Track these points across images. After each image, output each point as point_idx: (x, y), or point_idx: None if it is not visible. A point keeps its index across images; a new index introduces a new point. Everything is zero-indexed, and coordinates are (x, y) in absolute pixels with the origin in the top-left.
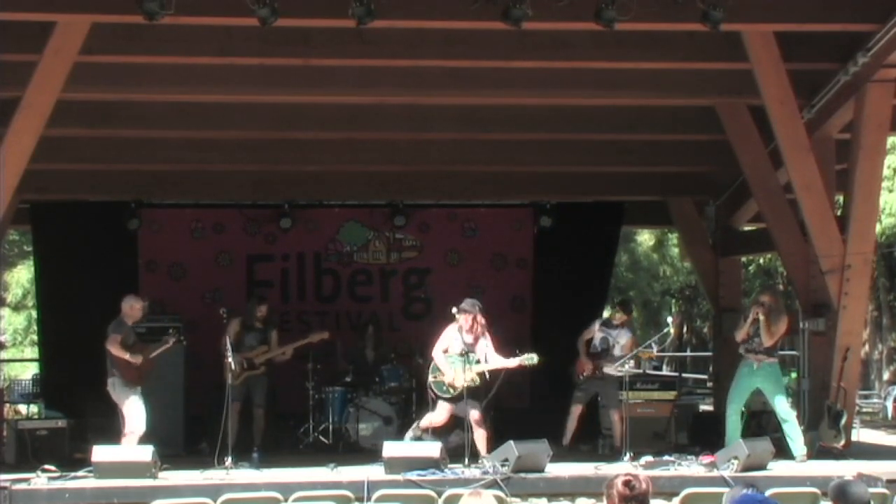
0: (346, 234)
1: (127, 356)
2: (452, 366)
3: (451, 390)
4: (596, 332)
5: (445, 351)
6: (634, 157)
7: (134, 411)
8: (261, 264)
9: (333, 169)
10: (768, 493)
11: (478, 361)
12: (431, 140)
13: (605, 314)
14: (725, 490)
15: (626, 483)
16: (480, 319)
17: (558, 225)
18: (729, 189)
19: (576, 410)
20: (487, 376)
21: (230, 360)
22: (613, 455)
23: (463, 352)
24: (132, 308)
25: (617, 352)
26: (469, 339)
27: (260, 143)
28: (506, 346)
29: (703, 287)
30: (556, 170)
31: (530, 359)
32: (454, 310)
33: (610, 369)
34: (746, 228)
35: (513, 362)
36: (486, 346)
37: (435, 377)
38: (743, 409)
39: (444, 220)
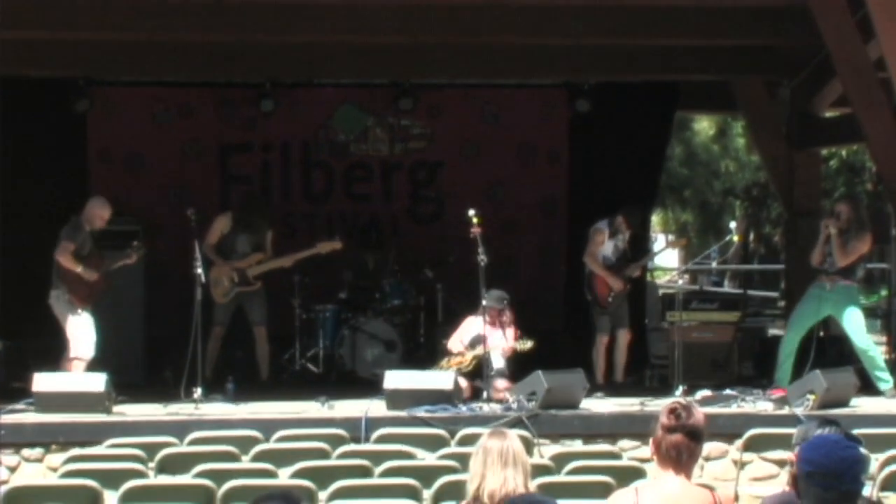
0: (340, 120)
1: (79, 270)
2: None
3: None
4: (606, 242)
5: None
6: (692, 26)
7: (80, 334)
8: (237, 156)
9: (326, 40)
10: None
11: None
12: (445, 5)
13: (655, 220)
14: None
15: (671, 410)
16: (508, 315)
17: (598, 110)
18: (807, 67)
19: (603, 340)
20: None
21: (200, 271)
22: (664, 388)
23: (472, 342)
24: (95, 215)
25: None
26: (487, 329)
27: (236, 7)
28: (536, 254)
29: (775, 186)
30: (596, 42)
31: (523, 343)
32: (473, 227)
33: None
34: (828, 115)
35: (506, 346)
36: (501, 336)
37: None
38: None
39: (460, 104)
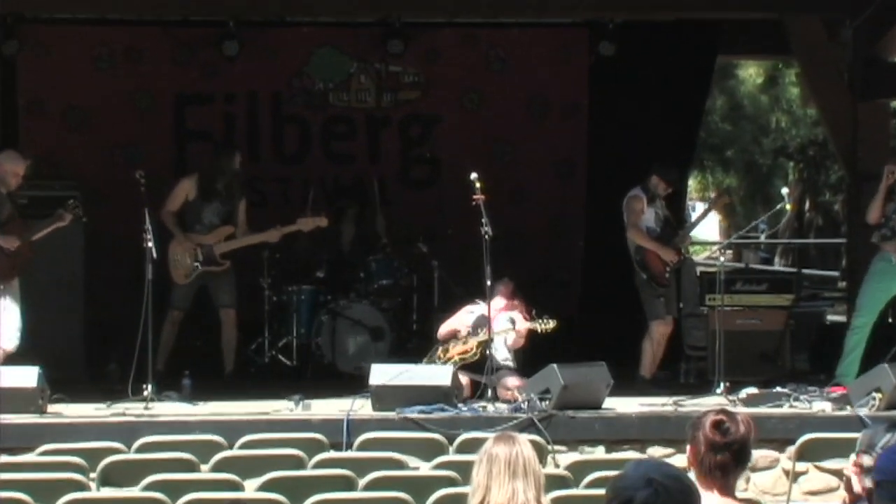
0: (318, 66)
1: None
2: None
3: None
4: (646, 210)
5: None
6: None
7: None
8: (195, 108)
9: None
10: None
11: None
12: None
13: (692, 184)
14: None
15: (717, 425)
16: (517, 302)
17: (625, 54)
18: (873, 3)
19: (661, 329)
20: (488, 350)
21: (151, 244)
22: (702, 386)
23: (475, 325)
24: (7, 171)
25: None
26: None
27: None
28: (549, 225)
29: (834, 144)
30: None
31: (545, 323)
32: (476, 193)
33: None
34: None
35: (520, 326)
36: (508, 320)
37: (430, 360)
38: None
39: (461, 47)
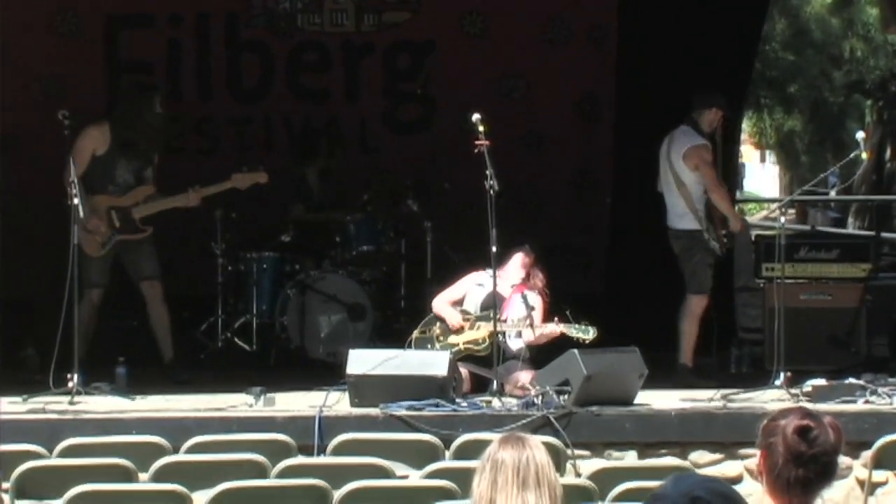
0: None
1: None
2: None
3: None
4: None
5: (458, 303)
6: None
7: None
8: (132, 32)
9: None
10: None
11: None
12: None
13: (745, 127)
14: None
15: (802, 432)
16: (538, 277)
17: None
18: None
19: (705, 302)
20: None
21: (77, 200)
22: (757, 376)
23: (486, 306)
24: None
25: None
26: (507, 291)
27: None
28: (569, 177)
29: None
30: None
31: (583, 331)
32: (478, 138)
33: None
34: None
35: (550, 329)
36: (520, 304)
37: (423, 332)
38: None
39: None
